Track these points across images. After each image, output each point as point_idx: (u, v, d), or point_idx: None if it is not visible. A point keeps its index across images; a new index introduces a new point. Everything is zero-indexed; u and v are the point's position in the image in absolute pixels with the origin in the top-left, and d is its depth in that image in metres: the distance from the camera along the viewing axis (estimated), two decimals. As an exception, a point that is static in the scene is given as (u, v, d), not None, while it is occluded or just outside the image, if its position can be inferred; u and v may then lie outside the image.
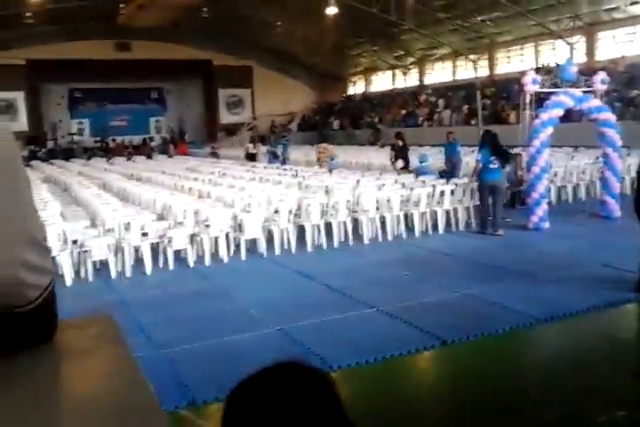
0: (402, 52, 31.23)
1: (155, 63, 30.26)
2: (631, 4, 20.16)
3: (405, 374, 4.83)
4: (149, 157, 25.50)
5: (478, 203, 9.36)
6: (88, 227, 7.78)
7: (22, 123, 29.32)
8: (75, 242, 7.32)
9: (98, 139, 32.15)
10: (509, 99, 22.33)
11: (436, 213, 9.36)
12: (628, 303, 5.84)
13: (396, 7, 24.35)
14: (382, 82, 35.11)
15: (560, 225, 9.29)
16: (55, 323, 0.81)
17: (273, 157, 18.99)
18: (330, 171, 13.60)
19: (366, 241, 8.80)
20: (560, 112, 9.51)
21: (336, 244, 8.65)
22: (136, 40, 30.73)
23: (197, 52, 32.00)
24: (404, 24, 26.17)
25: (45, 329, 0.80)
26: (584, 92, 9.87)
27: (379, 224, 9.02)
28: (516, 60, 26.55)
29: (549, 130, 9.37)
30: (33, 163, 22.69)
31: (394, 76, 33.76)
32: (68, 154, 28.26)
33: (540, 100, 10.40)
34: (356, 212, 8.95)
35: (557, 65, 10.89)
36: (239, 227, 8.17)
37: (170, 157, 25.61)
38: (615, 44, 22.18)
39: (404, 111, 28.92)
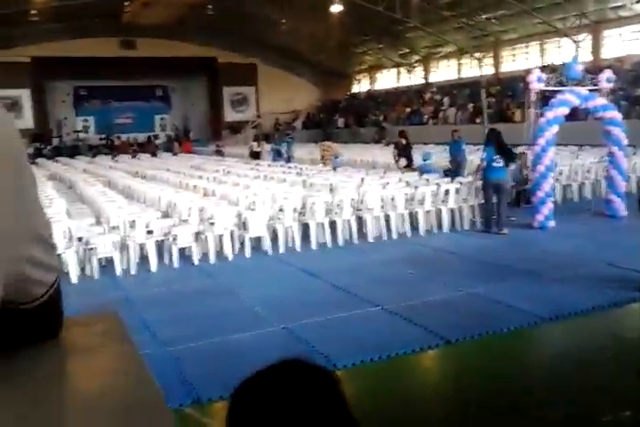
0: (407, 50, 31.18)
1: (159, 61, 30.28)
2: (637, 1, 20.07)
3: (410, 372, 4.83)
4: (154, 154, 25.54)
5: (483, 202, 9.34)
6: (93, 224, 7.79)
7: (27, 120, 29.39)
8: (80, 239, 7.33)
9: (103, 136, 32.21)
10: (515, 97, 22.27)
11: (440, 211, 9.34)
12: (634, 303, 5.83)
13: (401, 5, 24.31)
14: (387, 80, 35.06)
15: (565, 224, 9.26)
16: (61, 320, 0.81)
17: (277, 154, 19.00)
18: (334, 169, 13.60)
19: (371, 239, 8.79)
20: (565, 110, 9.47)
21: (340, 242, 8.65)
22: (141, 38, 30.77)
23: (202, 50, 32.01)
24: (409, 22, 26.12)
25: (51, 326, 0.80)
26: (590, 90, 9.84)
27: (383, 223, 9.02)
28: (521, 59, 26.46)
29: (555, 128, 9.34)
30: (38, 160, 22.74)
31: (399, 73, 33.71)
32: (73, 151, 28.35)
33: (545, 99, 10.36)
34: (360, 210, 8.94)
35: (563, 63, 10.87)
36: (244, 225, 8.18)
37: (174, 154, 25.64)
38: (621, 43, 22.08)
39: (408, 109, 28.89)
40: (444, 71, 30.74)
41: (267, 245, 8.27)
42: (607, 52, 22.53)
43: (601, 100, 9.78)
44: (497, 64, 27.36)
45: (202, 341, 5.06)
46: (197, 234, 7.92)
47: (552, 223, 9.23)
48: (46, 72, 29.72)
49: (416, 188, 9.37)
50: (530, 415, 3.88)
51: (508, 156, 9.11)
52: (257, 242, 8.38)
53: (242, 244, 8.27)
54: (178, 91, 36.51)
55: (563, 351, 5.02)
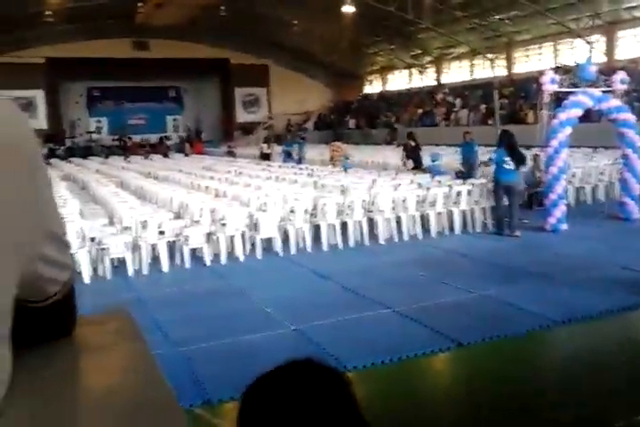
0: (419, 51, 31.11)
1: (172, 62, 30.41)
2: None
3: (421, 375, 4.82)
4: (166, 155, 25.66)
5: (494, 204, 9.30)
6: (106, 225, 7.85)
7: (41, 121, 29.63)
8: (93, 240, 7.38)
9: (115, 137, 32.41)
10: (527, 98, 22.16)
11: (452, 213, 9.31)
12: (647, 306, 5.77)
13: (413, 6, 24.25)
14: (399, 81, 34.99)
15: (578, 227, 9.19)
16: (74, 318, 0.82)
17: (287, 156, 19.04)
18: (345, 170, 13.60)
19: (382, 241, 8.78)
20: (579, 112, 9.41)
21: (352, 243, 8.65)
22: (154, 39, 30.92)
23: (215, 51, 32.12)
24: (421, 23, 26.06)
25: (65, 324, 0.80)
26: (603, 91, 9.76)
27: (394, 224, 9.00)
28: (534, 60, 26.31)
29: (568, 130, 9.27)
30: (52, 161, 22.93)
31: (410, 75, 33.63)
32: (86, 152, 28.54)
33: (558, 100, 10.31)
34: (371, 211, 8.93)
35: (576, 64, 10.77)
36: (255, 226, 8.19)
37: (186, 155, 25.75)
38: (635, 43, 21.89)
39: (420, 111, 28.81)
40: (457, 72, 30.63)
41: (278, 246, 8.27)
42: (621, 53, 22.35)
43: (615, 102, 9.70)
44: (510, 65, 27.22)
45: (213, 341, 5.08)
46: (209, 235, 7.95)
47: (565, 226, 9.16)
48: (60, 73, 29.95)
49: (428, 189, 9.35)
50: (542, 418, 3.86)
51: (519, 159, 9.06)
52: (268, 243, 8.39)
53: (253, 245, 8.29)
54: (190, 92, 36.65)
55: (575, 354, 4.99)
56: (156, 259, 7.76)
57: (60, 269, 0.70)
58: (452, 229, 9.29)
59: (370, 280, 6.83)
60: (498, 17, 24.62)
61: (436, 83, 31.21)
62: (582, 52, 22.44)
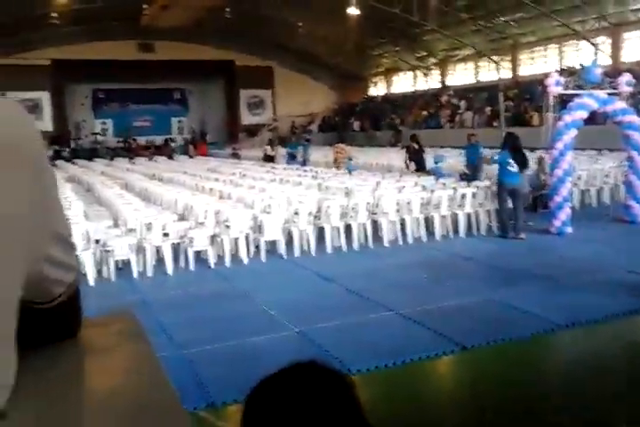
0: (424, 53, 31.09)
1: (177, 64, 30.47)
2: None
3: (425, 378, 4.81)
4: (170, 157, 25.71)
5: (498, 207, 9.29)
6: (110, 227, 7.86)
7: (47, 123, 29.72)
8: (97, 241, 7.40)
9: (121, 139, 32.49)
10: (532, 101, 22.11)
11: (457, 216, 9.29)
12: (653, 310, 5.75)
13: (418, 7, 24.25)
14: (403, 83, 34.99)
15: (583, 229, 9.16)
16: (79, 320, 0.82)
17: (291, 158, 19.06)
18: (349, 172, 13.60)
19: (386, 244, 8.77)
20: (584, 114, 9.39)
21: (356, 246, 8.64)
22: (159, 41, 30.98)
23: (220, 53, 32.17)
24: (426, 24, 26.05)
25: (70, 326, 0.80)
26: (609, 94, 9.74)
27: (399, 227, 8.99)
28: (539, 62, 26.28)
29: (573, 132, 9.26)
30: (57, 162, 23.00)
31: (415, 77, 33.62)
32: (91, 154, 28.62)
33: (563, 102, 10.28)
34: (375, 214, 8.92)
35: (582, 66, 10.75)
36: (259, 228, 8.20)
37: (191, 157, 25.79)
38: (641, 46, 21.86)
39: (425, 113, 28.80)
40: (462, 74, 30.61)
41: (282, 248, 8.27)
42: (627, 55, 22.29)
43: (620, 104, 9.68)
44: (515, 67, 27.19)
45: (217, 344, 5.08)
46: (213, 237, 7.96)
47: (570, 229, 9.14)
48: (66, 75, 30.04)
49: (432, 192, 9.33)
50: (546, 422, 3.85)
51: (522, 162, 9.04)
52: (272, 245, 8.40)
53: (257, 247, 8.29)
54: (195, 94, 36.73)
55: (579, 358, 4.97)
56: (160, 261, 7.77)
57: (66, 270, 0.70)
58: (456, 231, 9.27)
59: (374, 283, 6.82)
60: (503, 19, 24.60)
61: (440, 85, 31.18)
62: (588, 54, 22.40)
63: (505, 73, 27.34)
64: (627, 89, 10.12)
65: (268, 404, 0.93)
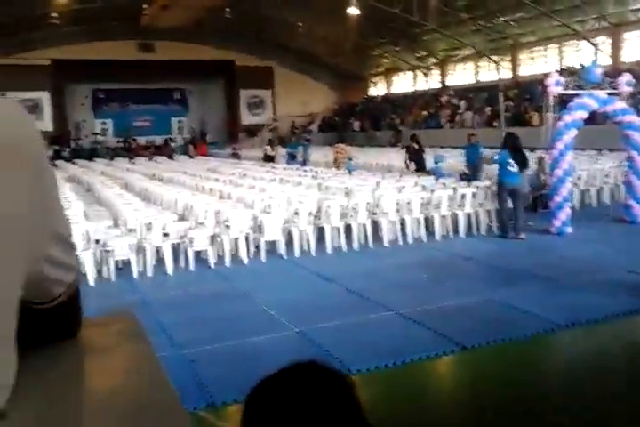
0: (424, 53, 31.09)
1: (177, 64, 30.47)
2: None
3: (425, 378, 4.81)
4: (170, 157, 25.71)
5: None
6: (110, 227, 7.86)
7: (47, 122, 29.71)
8: (97, 241, 7.40)
9: (120, 139, 32.49)
10: (532, 101, 22.11)
11: (457, 216, 9.29)
12: (653, 310, 5.75)
13: (418, 7, 24.25)
14: (403, 83, 34.99)
15: (583, 229, 9.17)
16: (79, 320, 0.82)
17: (290, 158, 19.07)
18: (349, 172, 13.61)
19: (386, 244, 8.77)
20: (584, 114, 9.39)
21: (356, 246, 8.64)
22: (159, 40, 30.98)
23: (220, 53, 32.17)
24: (426, 24, 26.06)
25: (70, 326, 0.80)
26: (609, 94, 9.74)
27: (399, 227, 8.99)
28: (539, 62, 26.28)
29: (573, 132, 9.26)
30: (57, 162, 23.00)
31: (415, 76, 33.63)
32: (91, 154, 28.63)
33: (563, 102, 10.28)
34: (375, 214, 8.92)
35: (582, 66, 10.76)
36: (259, 228, 8.20)
37: (191, 157, 25.79)
38: (641, 46, 21.85)
39: (425, 113, 28.80)
40: (462, 74, 30.61)
41: (282, 248, 8.28)
42: (627, 55, 22.28)
43: (620, 104, 9.68)
44: (515, 67, 27.19)
45: (217, 344, 5.08)
46: (213, 237, 7.96)
47: (569, 229, 9.14)
48: (66, 75, 30.03)
49: (432, 192, 9.33)
50: (546, 422, 3.85)
51: (522, 162, 9.04)
52: (272, 245, 8.40)
53: (257, 247, 8.29)
54: (195, 94, 36.73)
55: (579, 358, 4.97)
56: (160, 261, 7.77)
57: (66, 270, 0.70)
58: (456, 231, 9.27)
59: (374, 283, 6.82)
60: (503, 19, 24.59)
61: (440, 85, 31.19)
62: (588, 54, 22.40)
63: (505, 73, 27.34)
64: (627, 89, 10.12)
65: (267, 404, 0.93)
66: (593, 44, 22.49)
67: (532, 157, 10.74)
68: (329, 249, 8.48)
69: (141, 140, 31.85)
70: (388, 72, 35.49)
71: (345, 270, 7.46)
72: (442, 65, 31.12)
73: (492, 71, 28.19)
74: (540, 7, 21.87)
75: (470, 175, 11.77)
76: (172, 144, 30.77)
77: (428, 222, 9.22)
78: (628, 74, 10.61)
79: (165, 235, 7.74)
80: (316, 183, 11.51)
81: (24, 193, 0.55)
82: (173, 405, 0.68)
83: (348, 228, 8.70)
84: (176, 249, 7.88)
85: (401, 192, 9.65)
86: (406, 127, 27.99)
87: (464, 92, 28.49)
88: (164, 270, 7.62)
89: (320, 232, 8.62)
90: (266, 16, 27.98)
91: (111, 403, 0.67)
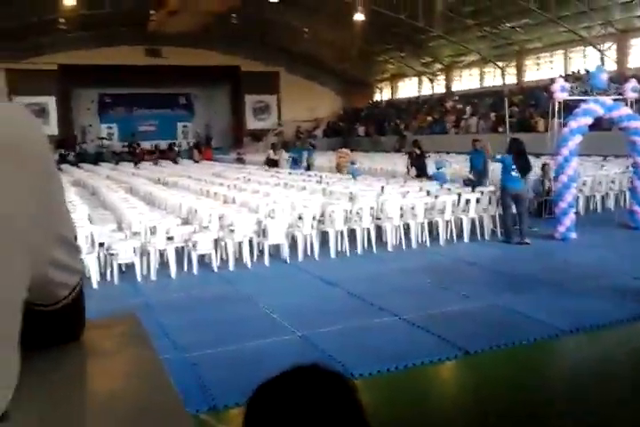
0: (429, 59, 31.13)
1: (184, 69, 30.56)
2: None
3: (428, 383, 4.80)
4: (175, 161, 25.76)
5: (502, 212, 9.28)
6: (115, 230, 7.88)
7: (53, 127, 29.84)
8: (101, 245, 7.41)
9: (126, 143, 32.59)
10: (538, 106, 22.08)
11: (461, 221, 9.28)
12: (657, 316, 5.72)
13: (423, 14, 24.30)
14: (409, 88, 35.02)
15: (588, 235, 9.14)
16: (83, 322, 0.82)
17: (294, 163, 19.09)
18: (354, 177, 13.61)
19: (390, 248, 8.76)
20: (589, 120, 9.38)
21: (359, 250, 8.64)
22: (166, 46, 31.11)
23: (226, 58, 32.27)
24: (431, 31, 26.10)
25: (73, 328, 0.81)
26: (614, 100, 9.73)
27: (403, 232, 8.99)
28: (545, 68, 26.27)
29: (578, 138, 9.25)
30: (63, 166, 23.07)
31: (420, 82, 33.66)
32: (96, 158, 28.72)
33: (569, 108, 10.28)
34: (379, 219, 8.92)
35: (588, 72, 10.75)
36: (263, 232, 8.21)
37: (195, 162, 25.84)
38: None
39: (430, 118, 28.80)
40: (467, 80, 30.63)
41: (285, 252, 8.28)
42: (633, 61, 22.26)
43: (626, 110, 9.67)
44: (520, 73, 27.19)
45: (220, 347, 5.08)
46: (217, 241, 7.97)
47: (574, 234, 9.12)
48: (72, 80, 30.17)
49: (436, 197, 9.33)
50: (550, 426, 3.84)
51: (523, 167, 9.02)
52: (276, 249, 8.40)
53: (261, 251, 8.30)
54: (201, 98, 36.82)
55: (583, 364, 4.96)
56: (164, 264, 7.79)
57: (70, 273, 0.70)
58: (460, 236, 9.27)
59: (377, 287, 6.82)
60: (509, 25, 24.59)
61: (445, 90, 31.20)
62: (593, 60, 22.39)
63: (510, 79, 27.34)
64: (632, 95, 10.11)
65: (269, 407, 0.93)
66: (599, 50, 22.48)
67: (536, 163, 10.73)
68: (332, 253, 8.48)
69: (146, 144, 31.93)
70: (394, 78, 35.54)
71: (348, 275, 7.45)
72: (447, 71, 31.14)
73: (497, 77, 28.20)
74: (547, 13, 21.87)
75: (475, 181, 11.75)
76: (177, 149, 30.82)
77: (432, 227, 9.22)
78: (634, 80, 10.60)
79: (169, 238, 7.76)
80: (320, 188, 11.51)
81: (24, 193, 0.56)
82: (176, 408, 0.68)
83: (351, 232, 8.70)
84: (180, 253, 7.90)
85: (405, 197, 9.64)
86: (411, 132, 27.99)
87: (469, 97, 28.50)
88: (167, 274, 7.63)
89: (324, 237, 8.63)
90: (272, 22, 28.09)
91: (114, 405, 0.67)
